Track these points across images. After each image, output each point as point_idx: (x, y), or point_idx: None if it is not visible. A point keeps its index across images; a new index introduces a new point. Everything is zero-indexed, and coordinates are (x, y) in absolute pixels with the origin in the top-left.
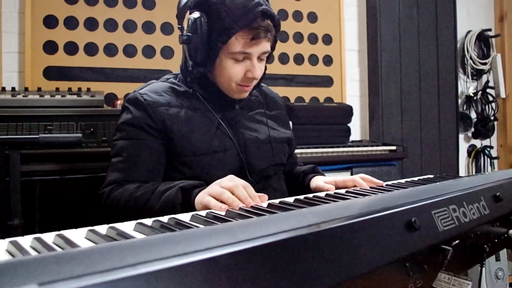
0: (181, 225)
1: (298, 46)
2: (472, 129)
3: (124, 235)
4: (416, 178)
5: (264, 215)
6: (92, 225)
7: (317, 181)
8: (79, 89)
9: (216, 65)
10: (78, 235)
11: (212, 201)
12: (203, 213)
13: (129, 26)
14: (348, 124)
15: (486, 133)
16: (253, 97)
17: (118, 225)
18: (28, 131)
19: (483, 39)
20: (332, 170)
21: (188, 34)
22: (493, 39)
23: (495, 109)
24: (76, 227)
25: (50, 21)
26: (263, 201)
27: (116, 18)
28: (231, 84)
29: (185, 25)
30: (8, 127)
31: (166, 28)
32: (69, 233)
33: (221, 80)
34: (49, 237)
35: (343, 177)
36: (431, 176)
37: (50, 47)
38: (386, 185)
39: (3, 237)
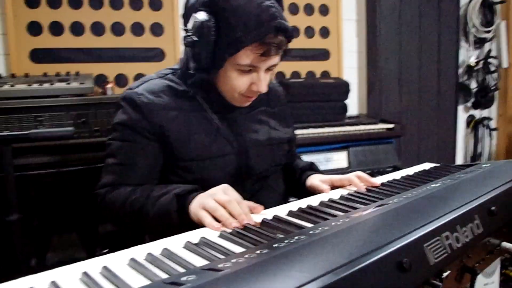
0: (178, 263)
1: (293, 18)
2: (472, 99)
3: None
4: (412, 172)
5: (258, 241)
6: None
7: (312, 180)
8: (68, 73)
9: (220, 73)
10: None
11: (206, 219)
12: (196, 238)
13: (116, 3)
14: (345, 99)
15: (486, 104)
16: None
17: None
18: (18, 123)
19: (487, 5)
20: (329, 150)
21: (193, 37)
22: (498, 5)
23: (497, 79)
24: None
25: (32, 0)
26: (257, 212)
27: None
28: (234, 94)
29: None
30: None
31: (155, 4)
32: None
33: (224, 88)
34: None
35: (340, 176)
36: (427, 167)
37: (34, 28)
38: (382, 184)
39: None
